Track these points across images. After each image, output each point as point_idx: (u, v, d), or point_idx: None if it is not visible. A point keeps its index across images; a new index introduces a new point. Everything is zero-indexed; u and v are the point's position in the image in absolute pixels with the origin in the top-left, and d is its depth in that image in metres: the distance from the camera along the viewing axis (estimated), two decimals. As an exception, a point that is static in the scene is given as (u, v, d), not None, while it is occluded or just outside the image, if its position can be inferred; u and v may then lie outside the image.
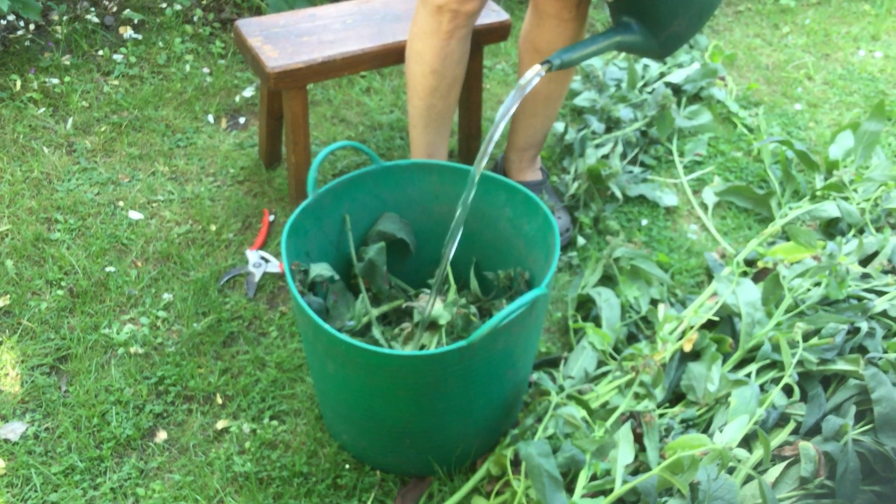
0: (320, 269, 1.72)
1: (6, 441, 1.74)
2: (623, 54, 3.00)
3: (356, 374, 1.53)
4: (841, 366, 1.76)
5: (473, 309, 1.81)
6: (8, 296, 2.01)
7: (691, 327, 1.89)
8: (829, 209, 2.27)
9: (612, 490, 1.52)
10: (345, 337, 1.46)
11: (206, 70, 2.77)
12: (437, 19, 1.91)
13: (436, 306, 1.76)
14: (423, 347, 1.77)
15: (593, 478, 1.57)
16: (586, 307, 2.05)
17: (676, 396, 1.83)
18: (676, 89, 2.77)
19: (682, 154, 2.60)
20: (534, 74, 1.60)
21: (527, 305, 1.46)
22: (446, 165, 1.81)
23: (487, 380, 1.58)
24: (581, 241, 2.24)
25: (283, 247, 1.61)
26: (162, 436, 1.78)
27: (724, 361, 1.83)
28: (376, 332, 1.77)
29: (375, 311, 1.81)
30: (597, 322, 1.99)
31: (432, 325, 1.77)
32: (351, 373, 1.53)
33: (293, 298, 1.55)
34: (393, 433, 1.65)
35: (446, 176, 1.82)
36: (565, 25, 1.97)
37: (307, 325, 1.54)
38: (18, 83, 2.62)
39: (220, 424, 1.80)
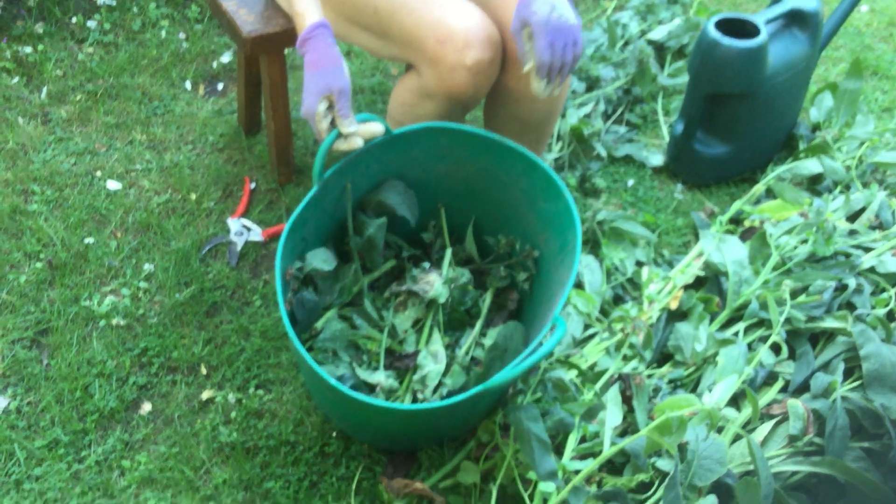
0: (317, 262, 1.65)
1: (-12, 416, 1.72)
2: (605, 15, 2.96)
3: (359, 411, 1.49)
4: (829, 323, 1.75)
5: (468, 275, 1.78)
6: (-15, 269, 1.98)
7: (676, 287, 1.87)
8: (811, 166, 2.26)
9: (600, 452, 1.51)
10: (347, 390, 1.39)
11: (182, 35, 2.72)
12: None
13: (435, 285, 1.73)
14: (417, 322, 1.75)
15: (582, 440, 1.57)
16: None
17: (664, 357, 1.82)
18: (659, 46, 2.74)
19: (667, 113, 2.58)
20: None
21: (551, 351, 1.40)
22: (457, 128, 1.69)
23: (495, 393, 1.54)
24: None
25: (278, 262, 1.51)
26: (146, 407, 1.76)
27: (711, 321, 1.82)
28: (368, 304, 1.74)
29: (366, 280, 1.77)
30: (580, 288, 1.97)
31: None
32: (353, 409, 1.49)
33: (289, 338, 1.45)
34: (388, 436, 1.64)
35: (456, 138, 1.70)
36: None
37: (308, 370, 1.45)
38: (-10, 52, 2.56)
39: (205, 395, 1.78)
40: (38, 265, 1.99)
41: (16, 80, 2.50)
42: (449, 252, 1.81)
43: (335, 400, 1.51)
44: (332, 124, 1.57)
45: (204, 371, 1.82)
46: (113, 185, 2.20)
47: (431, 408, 1.43)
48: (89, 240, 2.06)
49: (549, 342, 1.38)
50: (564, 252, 1.60)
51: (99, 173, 2.24)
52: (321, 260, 1.66)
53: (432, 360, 1.67)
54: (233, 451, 1.69)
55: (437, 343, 1.70)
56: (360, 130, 1.58)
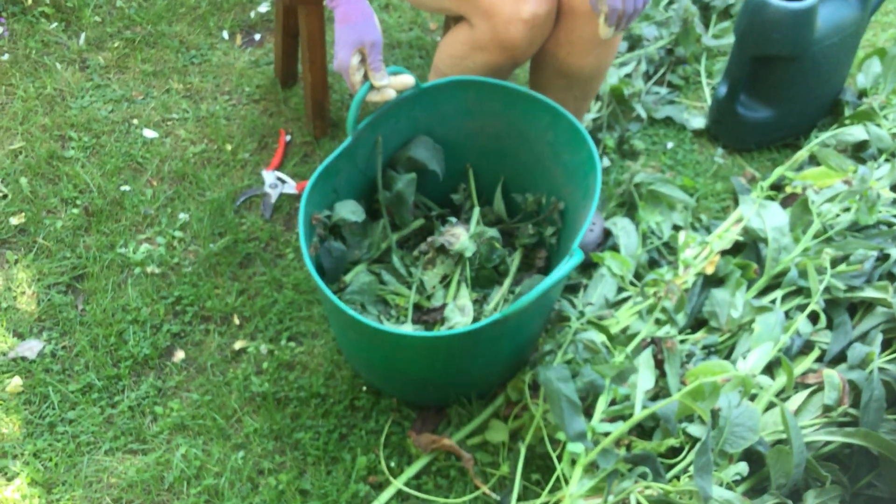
0: (345, 213, 1.65)
1: (23, 359, 1.74)
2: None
3: (382, 346, 1.50)
4: (869, 293, 1.72)
5: (496, 233, 1.76)
6: (23, 214, 1.99)
7: (713, 252, 1.85)
8: (857, 133, 2.20)
9: (631, 415, 1.50)
10: (367, 321, 1.40)
11: (220, -16, 2.69)
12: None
13: (461, 239, 1.72)
14: (444, 278, 1.74)
15: (613, 403, 1.56)
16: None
17: (698, 322, 1.80)
18: (705, 6, 2.67)
19: (710, 75, 2.52)
20: None
21: (566, 276, 1.41)
22: (483, 82, 1.69)
23: (517, 331, 1.54)
24: (606, 162, 2.19)
25: (303, 205, 1.51)
26: (179, 355, 1.78)
27: (748, 288, 1.80)
28: (396, 260, 1.73)
29: (395, 236, 1.76)
30: (615, 251, 1.95)
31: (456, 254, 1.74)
32: (377, 344, 1.50)
33: (315, 282, 1.45)
34: (415, 383, 1.63)
35: (483, 92, 1.70)
36: None
37: (330, 307, 1.46)
38: (29, -3, 2.56)
39: (238, 345, 1.79)
40: (75, 211, 2.00)
41: (54, 25, 2.50)
42: (477, 210, 1.80)
43: (358, 339, 1.52)
44: (365, 77, 1.56)
45: (237, 321, 1.83)
46: (149, 133, 2.21)
47: (450, 335, 1.43)
48: (125, 187, 2.07)
49: (565, 267, 1.38)
50: (587, 198, 1.60)
51: (136, 121, 2.24)
52: (349, 211, 1.66)
53: (459, 313, 1.67)
54: (264, 401, 1.70)
55: (465, 297, 1.70)
56: (392, 82, 1.59)
